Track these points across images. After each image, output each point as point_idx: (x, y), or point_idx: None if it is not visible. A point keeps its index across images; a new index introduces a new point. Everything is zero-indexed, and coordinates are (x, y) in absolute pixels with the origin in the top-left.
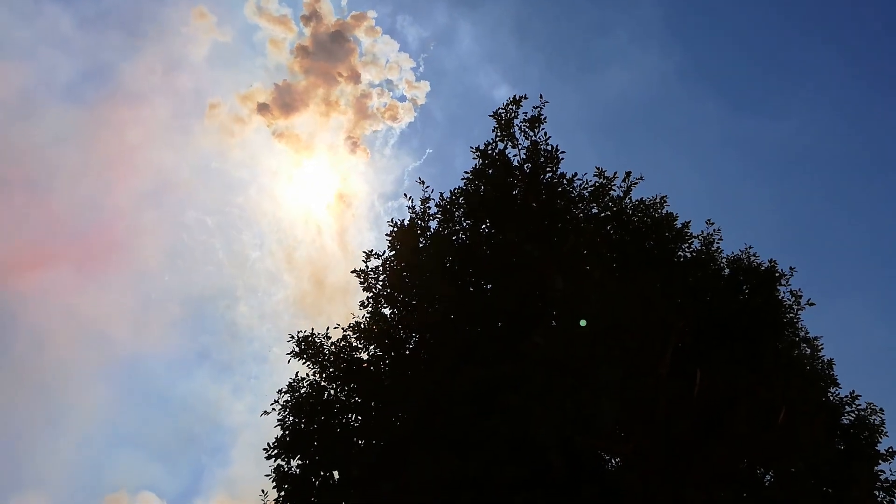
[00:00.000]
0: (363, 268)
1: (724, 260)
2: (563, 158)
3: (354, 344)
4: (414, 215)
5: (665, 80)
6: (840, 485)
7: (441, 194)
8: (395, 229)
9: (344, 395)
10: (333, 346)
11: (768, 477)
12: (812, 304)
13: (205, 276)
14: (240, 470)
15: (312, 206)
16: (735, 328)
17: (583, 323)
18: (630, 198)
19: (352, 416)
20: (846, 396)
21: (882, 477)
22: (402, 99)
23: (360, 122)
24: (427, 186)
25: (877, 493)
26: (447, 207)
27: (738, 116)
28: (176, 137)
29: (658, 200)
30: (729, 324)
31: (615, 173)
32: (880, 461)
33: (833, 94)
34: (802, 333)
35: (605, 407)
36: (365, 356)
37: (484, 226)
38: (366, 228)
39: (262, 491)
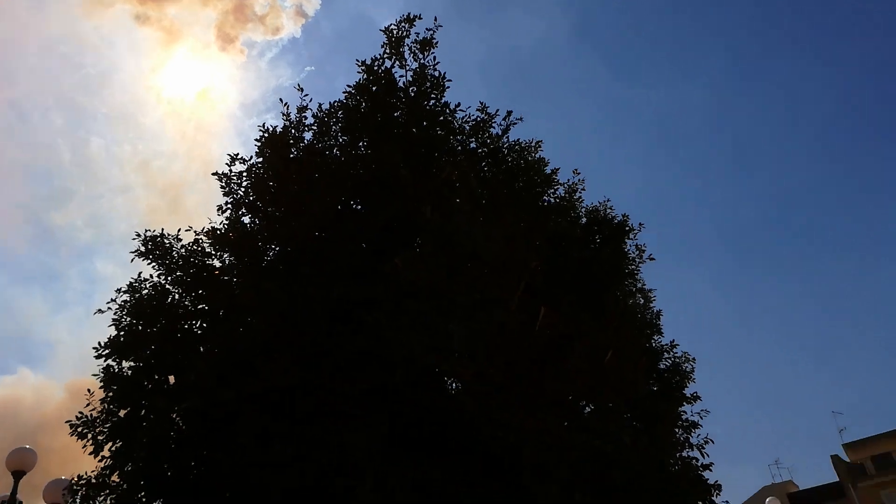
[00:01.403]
0: (226, 171)
1: (583, 209)
2: (448, 87)
3: (208, 249)
4: (288, 123)
5: (562, 33)
6: (649, 420)
7: (319, 105)
8: (266, 135)
9: (190, 301)
10: (184, 250)
11: (589, 409)
12: (652, 259)
13: (43, 177)
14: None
15: (173, 105)
16: (584, 274)
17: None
18: (507, 137)
19: (197, 322)
20: (666, 344)
21: (684, 417)
22: (289, 7)
23: (238, 21)
24: (305, 95)
25: (677, 430)
26: (324, 120)
27: (619, 80)
28: (20, 12)
29: (533, 144)
30: (579, 269)
31: (497, 111)
32: (685, 403)
33: (705, 71)
34: (640, 285)
35: (455, 332)
36: (217, 263)
37: (361, 144)
38: (230, 136)
39: (88, 391)
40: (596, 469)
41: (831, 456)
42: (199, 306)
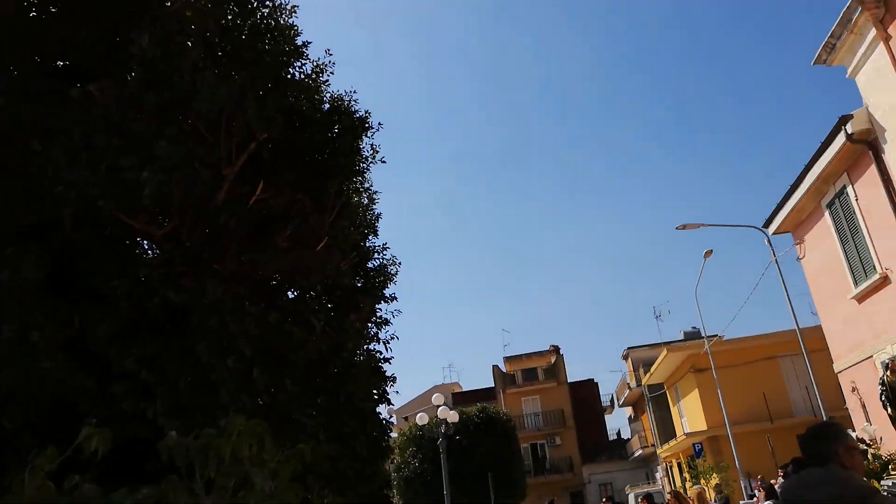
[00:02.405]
0: None
1: (328, 95)
2: None
3: None
4: None
5: None
6: (345, 311)
7: None
8: None
9: None
10: None
11: (293, 293)
12: (384, 162)
13: None
14: None
15: None
16: (314, 159)
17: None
18: None
19: None
20: (379, 245)
21: (379, 313)
22: None
23: None
24: None
25: (370, 324)
26: None
27: None
28: None
29: (289, 7)
30: (311, 153)
31: None
32: (383, 301)
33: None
34: (367, 185)
35: (147, 182)
36: None
37: None
38: None
39: None
40: (282, 349)
41: (493, 366)
42: None
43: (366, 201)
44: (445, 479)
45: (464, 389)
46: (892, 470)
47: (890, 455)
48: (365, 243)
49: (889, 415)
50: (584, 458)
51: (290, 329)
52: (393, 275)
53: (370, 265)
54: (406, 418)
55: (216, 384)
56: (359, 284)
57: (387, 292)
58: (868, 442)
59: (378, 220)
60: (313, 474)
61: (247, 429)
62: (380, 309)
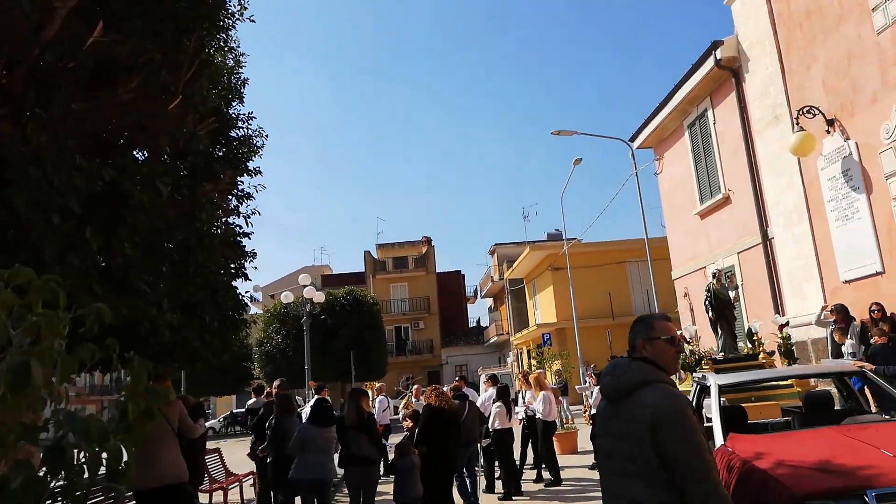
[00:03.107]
0: None
1: None
2: None
3: None
4: None
5: None
6: (198, 177)
7: None
8: None
9: None
10: None
11: (142, 155)
12: (253, 21)
13: None
14: None
15: None
16: (171, 8)
17: None
18: None
19: None
20: (244, 114)
21: (241, 187)
22: None
23: None
24: None
25: (230, 197)
26: None
27: None
28: None
29: None
30: (165, 2)
31: None
32: (246, 174)
33: None
34: (234, 44)
35: None
36: None
37: None
38: None
39: None
40: (120, 210)
41: (365, 251)
42: None
43: (231, 63)
44: (307, 355)
45: (335, 272)
46: (704, 364)
47: (705, 352)
48: (227, 109)
49: (709, 318)
50: (445, 342)
51: (130, 189)
52: (259, 147)
53: (233, 134)
54: (273, 296)
55: (39, 242)
56: (219, 154)
57: (251, 165)
58: (689, 339)
59: (244, 86)
60: (133, 338)
61: (37, 282)
62: (241, 182)
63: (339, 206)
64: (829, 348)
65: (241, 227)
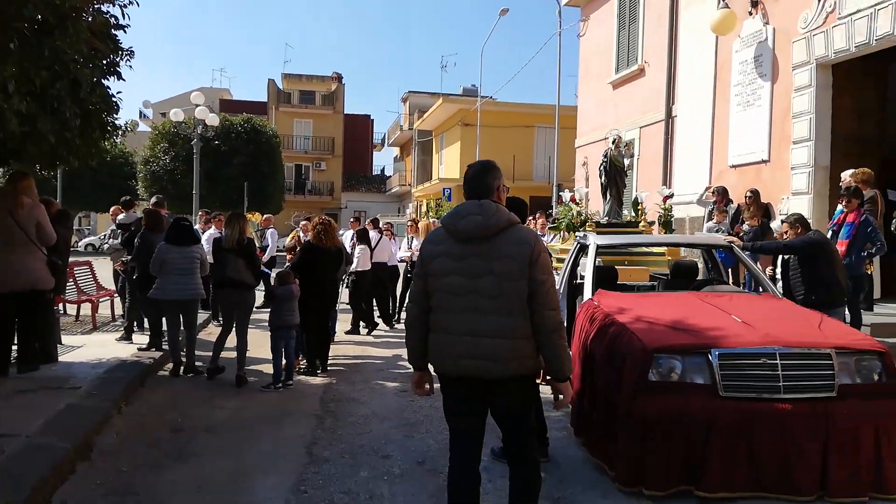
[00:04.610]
0: None
1: None
2: None
3: None
4: None
5: None
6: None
7: None
8: None
9: None
10: None
11: None
12: None
13: None
14: None
15: None
16: None
17: None
18: None
19: None
20: None
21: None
22: None
23: None
24: None
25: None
26: None
27: None
28: None
29: None
30: None
31: None
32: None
33: None
34: None
35: None
36: None
37: None
38: None
39: None
40: None
41: (269, 79)
42: None
43: None
44: (196, 179)
45: (235, 99)
46: (588, 226)
47: (591, 214)
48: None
49: (601, 182)
50: (346, 187)
51: None
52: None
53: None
54: (164, 114)
55: None
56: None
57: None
58: (577, 201)
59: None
60: None
61: None
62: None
63: (245, 25)
64: (704, 228)
65: (116, 18)
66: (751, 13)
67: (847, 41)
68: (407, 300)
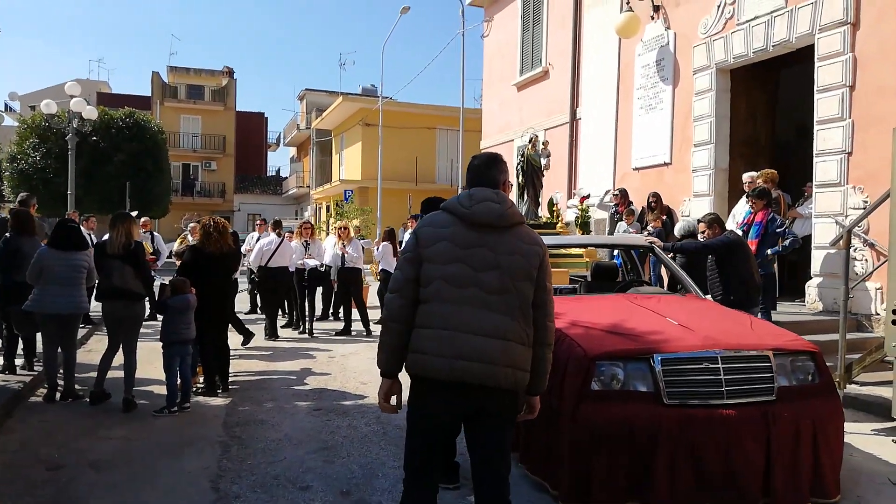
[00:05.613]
0: None
1: None
2: None
3: None
4: None
5: None
6: None
7: None
8: None
9: None
10: None
11: None
12: None
13: None
14: None
15: None
16: None
17: None
18: None
19: None
20: None
21: None
22: None
23: None
24: None
25: None
26: None
27: None
28: None
29: None
30: None
31: None
32: None
33: None
34: None
35: None
36: None
37: None
38: None
39: None
40: None
41: (153, 72)
42: None
43: None
44: (71, 178)
45: (114, 92)
46: None
47: None
48: None
49: (518, 182)
50: (239, 188)
51: None
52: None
53: None
54: (33, 107)
55: None
56: None
57: None
58: None
59: None
60: None
61: None
62: None
63: (126, 13)
64: (608, 230)
65: None
66: (653, 17)
67: (745, 46)
68: (388, 291)
